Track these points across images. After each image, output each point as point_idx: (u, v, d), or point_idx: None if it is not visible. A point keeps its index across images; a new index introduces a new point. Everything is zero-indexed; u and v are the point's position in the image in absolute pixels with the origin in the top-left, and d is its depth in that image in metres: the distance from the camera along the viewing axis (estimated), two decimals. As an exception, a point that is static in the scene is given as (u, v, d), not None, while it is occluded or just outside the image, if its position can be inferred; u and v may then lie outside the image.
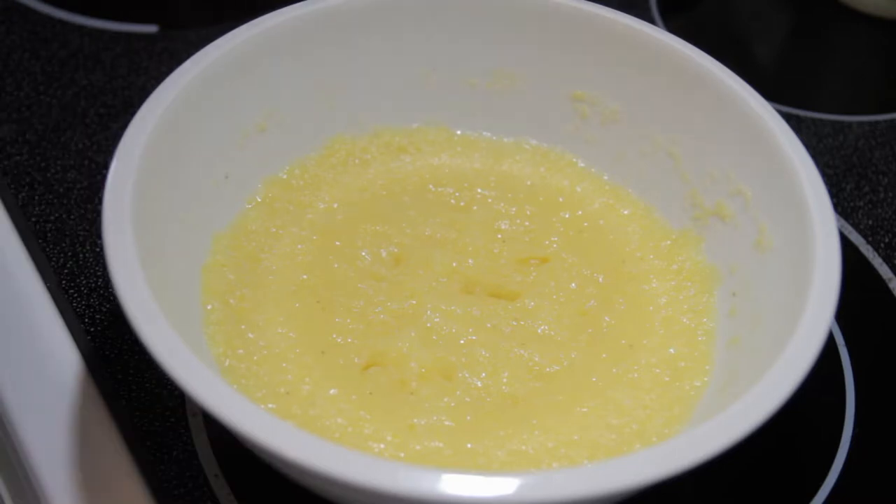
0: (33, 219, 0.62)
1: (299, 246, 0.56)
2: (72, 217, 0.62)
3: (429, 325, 0.53)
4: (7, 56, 0.72)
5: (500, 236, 0.59)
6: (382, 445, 0.48)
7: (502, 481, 0.37)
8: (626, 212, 0.60)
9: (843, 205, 0.67)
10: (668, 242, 0.58)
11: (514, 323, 0.54)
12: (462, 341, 0.53)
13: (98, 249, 0.60)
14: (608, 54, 0.58)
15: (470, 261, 0.57)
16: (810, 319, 0.44)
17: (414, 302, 0.54)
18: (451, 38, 0.60)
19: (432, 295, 0.55)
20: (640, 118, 0.59)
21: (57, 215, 0.62)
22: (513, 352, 0.53)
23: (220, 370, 0.50)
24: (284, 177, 0.59)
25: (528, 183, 0.62)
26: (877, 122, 0.73)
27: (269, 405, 0.49)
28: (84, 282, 0.59)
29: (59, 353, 0.56)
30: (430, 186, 0.61)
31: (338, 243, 0.57)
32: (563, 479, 0.38)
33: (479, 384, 0.51)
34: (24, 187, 0.64)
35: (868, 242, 0.65)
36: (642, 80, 0.58)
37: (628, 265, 0.58)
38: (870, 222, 0.66)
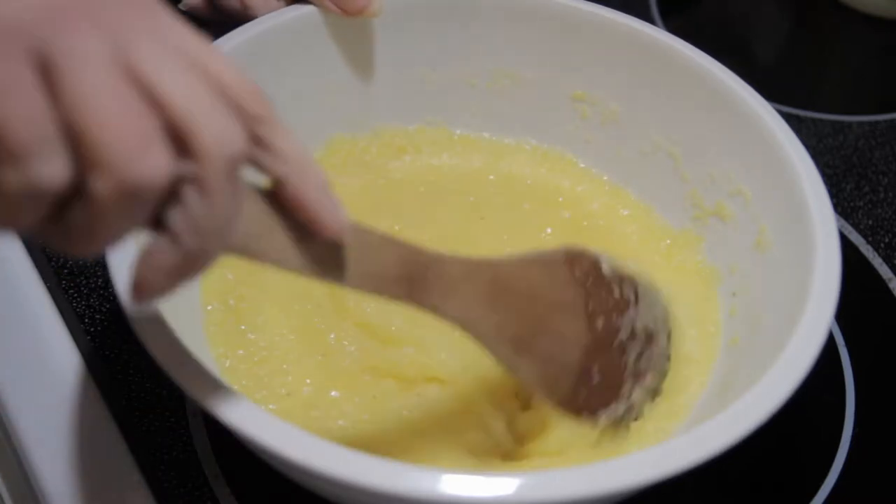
0: (33, 219, 0.62)
1: (299, 246, 0.56)
2: (72, 217, 0.62)
3: (430, 325, 0.53)
4: (7, 56, 0.72)
5: (501, 236, 0.59)
6: (384, 446, 0.48)
7: (502, 481, 0.37)
8: (625, 212, 0.60)
9: (843, 205, 0.67)
10: (668, 242, 0.58)
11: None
12: (464, 343, 0.53)
13: (98, 249, 0.60)
14: (608, 54, 0.58)
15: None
16: (810, 319, 0.44)
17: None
18: (451, 38, 0.60)
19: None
20: (640, 118, 0.59)
21: (57, 215, 0.62)
22: None
23: (220, 371, 0.50)
24: None
25: (528, 183, 0.61)
26: (877, 122, 0.73)
27: (270, 406, 0.49)
28: (84, 282, 0.59)
29: (59, 353, 0.56)
30: (431, 186, 0.61)
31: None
32: (563, 479, 0.38)
33: (476, 382, 0.51)
34: (24, 187, 0.64)
35: (868, 242, 0.65)
36: (642, 81, 0.58)
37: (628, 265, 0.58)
38: (870, 222, 0.66)
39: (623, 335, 0.48)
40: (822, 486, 0.53)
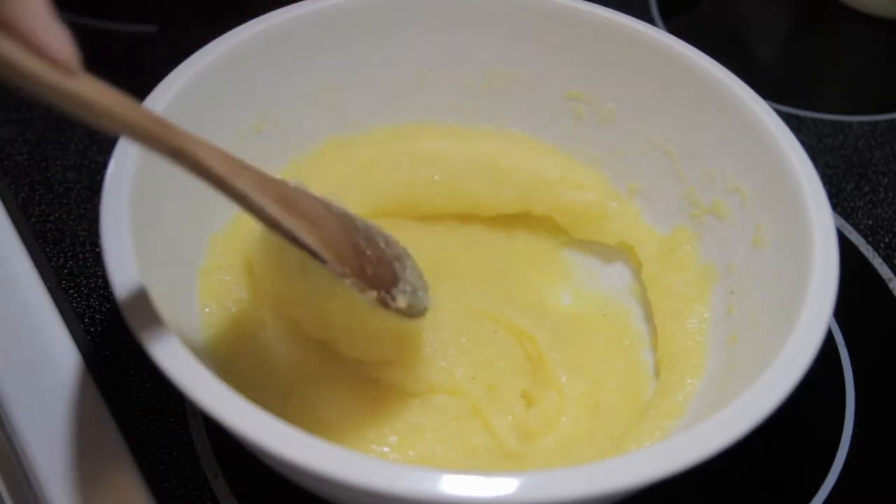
0: (33, 219, 0.62)
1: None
2: (72, 217, 0.62)
3: (429, 325, 0.53)
4: (7, 56, 0.72)
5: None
6: (385, 448, 0.48)
7: (502, 481, 0.37)
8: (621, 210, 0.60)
9: (843, 205, 0.67)
10: (665, 240, 0.58)
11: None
12: (466, 347, 0.53)
13: (98, 249, 0.60)
14: (605, 54, 0.58)
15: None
16: (809, 317, 0.44)
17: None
18: (448, 38, 0.60)
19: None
20: (637, 117, 0.59)
21: (57, 215, 0.62)
22: (513, 351, 0.53)
23: (218, 372, 0.50)
24: (280, 177, 0.59)
25: (523, 179, 0.61)
26: (877, 122, 0.73)
27: (269, 408, 0.49)
28: (84, 282, 0.59)
29: (59, 353, 0.56)
30: (429, 185, 0.61)
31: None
32: (563, 479, 0.38)
33: (485, 389, 0.51)
34: (24, 187, 0.64)
35: (868, 242, 0.65)
36: (639, 80, 0.58)
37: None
38: (870, 222, 0.66)
39: (360, 224, 0.49)
40: (822, 486, 0.53)
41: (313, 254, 0.46)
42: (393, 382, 0.51)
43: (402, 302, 0.49)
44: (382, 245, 0.50)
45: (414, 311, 0.50)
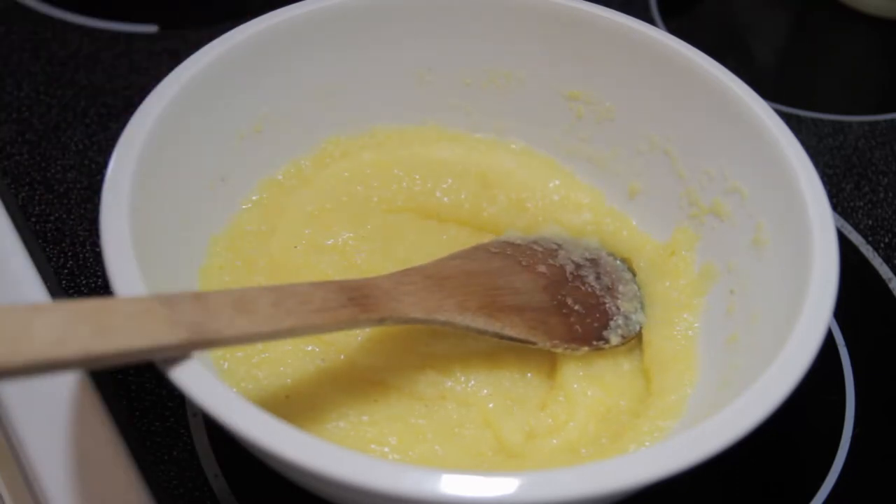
0: (33, 219, 0.62)
1: (295, 247, 0.56)
2: (72, 217, 0.62)
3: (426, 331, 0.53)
4: (7, 56, 0.72)
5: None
6: (386, 449, 0.48)
7: (502, 481, 0.37)
8: (620, 209, 0.60)
9: (842, 205, 0.67)
10: (665, 239, 0.58)
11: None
12: (498, 369, 0.53)
13: (98, 249, 0.60)
14: (605, 54, 0.58)
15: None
16: (809, 317, 0.44)
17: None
18: (447, 38, 0.60)
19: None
20: (636, 117, 0.59)
21: (57, 215, 0.62)
22: (531, 363, 0.53)
23: (219, 373, 0.50)
24: (280, 178, 0.59)
25: (523, 180, 0.61)
26: (877, 122, 0.73)
27: (269, 408, 0.49)
28: (84, 282, 0.59)
29: (59, 354, 0.56)
30: (428, 184, 0.61)
31: (331, 242, 0.57)
32: (563, 479, 0.38)
33: (484, 391, 0.51)
34: (24, 187, 0.64)
35: (868, 242, 0.65)
36: (639, 79, 0.58)
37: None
38: (870, 222, 0.66)
39: (570, 268, 0.53)
40: (822, 486, 0.53)
41: (521, 342, 0.49)
42: (402, 387, 0.51)
43: (614, 340, 0.52)
44: (592, 280, 0.52)
45: (627, 338, 0.53)
